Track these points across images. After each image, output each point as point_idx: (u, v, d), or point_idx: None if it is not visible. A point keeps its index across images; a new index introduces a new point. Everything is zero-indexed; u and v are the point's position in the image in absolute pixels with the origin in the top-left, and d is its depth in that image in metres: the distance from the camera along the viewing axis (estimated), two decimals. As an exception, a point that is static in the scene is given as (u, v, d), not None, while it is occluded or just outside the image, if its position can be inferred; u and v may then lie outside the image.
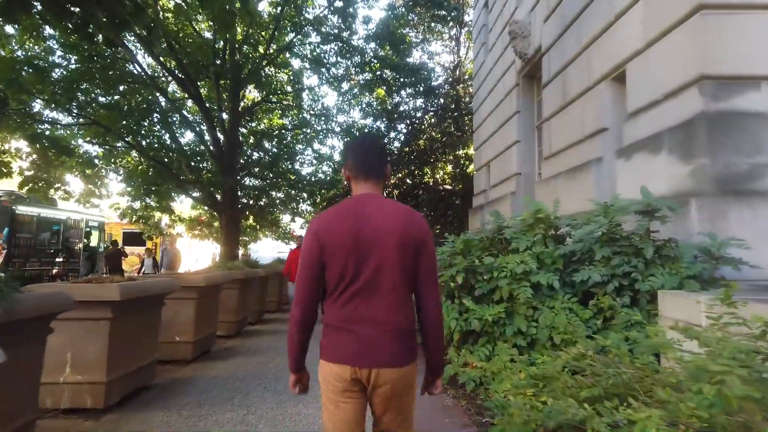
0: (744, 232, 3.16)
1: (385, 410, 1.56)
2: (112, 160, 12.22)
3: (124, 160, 12.48)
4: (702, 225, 3.32)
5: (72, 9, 4.52)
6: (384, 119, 15.70)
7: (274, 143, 14.45)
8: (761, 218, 3.33)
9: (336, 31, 12.46)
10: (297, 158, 14.90)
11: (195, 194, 12.21)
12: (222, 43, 11.20)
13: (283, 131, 14.75)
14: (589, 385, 1.98)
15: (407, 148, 15.99)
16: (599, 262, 3.32)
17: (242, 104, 12.83)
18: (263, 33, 12.24)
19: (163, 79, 12.29)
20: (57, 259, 13.87)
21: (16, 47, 9.74)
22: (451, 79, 17.05)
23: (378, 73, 13.34)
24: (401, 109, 16.25)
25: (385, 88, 14.16)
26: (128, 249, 17.00)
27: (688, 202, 3.42)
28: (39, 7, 4.80)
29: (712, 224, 3.31)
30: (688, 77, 3.69)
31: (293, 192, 14.75)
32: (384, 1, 21.39)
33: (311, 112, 14.83)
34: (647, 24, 4.25)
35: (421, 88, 14.53)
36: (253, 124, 14.70)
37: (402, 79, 13.53)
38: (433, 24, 17.02)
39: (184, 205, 16.85)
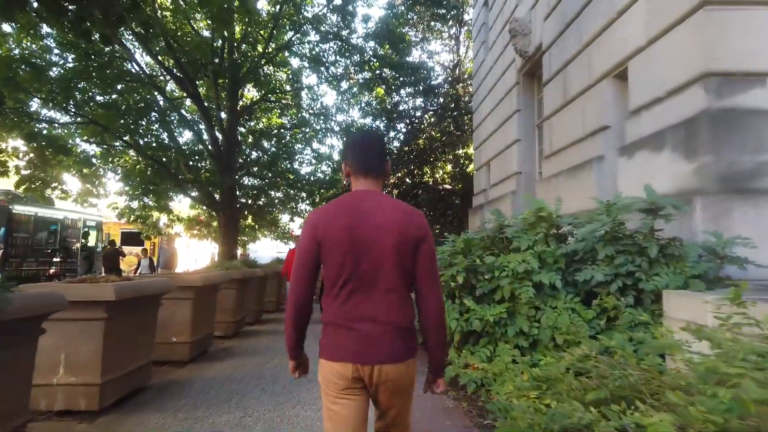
0: (748, 231, 3.11)
1: (389, 405, 1.57)
2: (110, 159, 12.16)
3: (122, 160, 12.42)
4: (706, 224, 3.27)
5: (67, 6, 4.47)
6: (383, 118, 15.64)
7: (272, 142, 14.38)
8: (765, 217, 3.28)
9: (335, 29, 12.41)
10: (296, 157, 14.84)
11: (193, 194, 12.16)
12: (220, 41, 11.14)
13: (282, 130, 14.68)
14: (594, 388, 1.92)
15: (407, 148, 15.94)
16: (602, 261, 3.27)
17: (241, 103, 12.77)
18: (262, 31, 12.18)
19: (161, 77, 12.23)
20: (54, 259, 13.77)
21: (13, 45, 9.67)
22: (450, 78, 17.00)
23: (377, 72, 13.29)
24: (401, 108, 16.20)
25: (384, 87, 14.11)
26: (126, 249, 16.90)
27: (692, 200, 3.37)
28: (35, 5, 4.75)
29: (716, 223, 3.26)
30: (692, 74, 3.64)
31: (292, 191, 14.69)
32: (383, 0, 21.34)
33: (310, 111, 14.77)
34: (649, 20, 4.19)
35: (421, 87, 14.48)
36: (252, 123, 14.64)
37: (401, 78, 13.48)
38: (432, 23, 16.97)
39: (182, 204, 16.81)
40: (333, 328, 1.53)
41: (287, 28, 12.44)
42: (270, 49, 12.13)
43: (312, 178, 14.56)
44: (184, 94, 11.72)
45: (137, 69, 10.90)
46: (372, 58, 12.87)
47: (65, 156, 10.05)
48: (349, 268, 1.48)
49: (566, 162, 5.74)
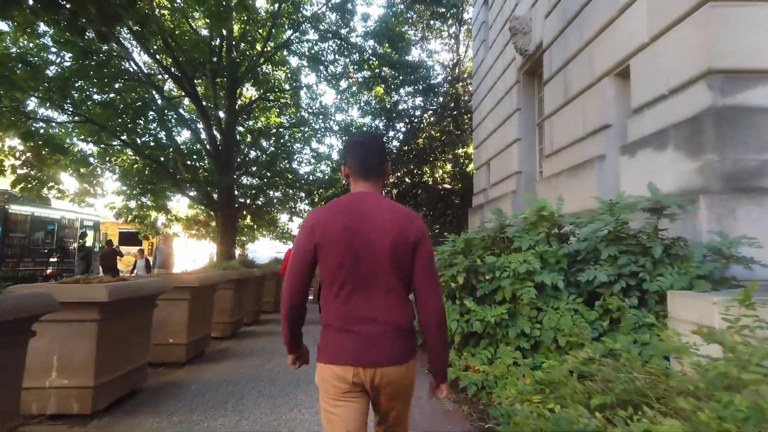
0: (753, 230, 3.06)
1: (390, 408, 1.57)
2: (107, 158, 12.08)
3: (120, 159, 12.34)
4: (710, 223, 3.22)
5: (63, 2, 4.41)
6: (383, 118, 15.59)
7: (271, 142, 14.31)
8: (770, 216, 3.23)
9: (334, 28, 12.36)
10: (295, 157, 14.79)
11: (191, 193, 12.09)
12: (219, 40, 11.08)
13: (281, 130, 14.61)
14: (599, 392, 1.87)
15: (406, 147, 15.88)
16: (605, 261, 3.21)
17: (239, 102, 12.70)
18: (260, 30, 12.11)
19: (159, 76, 12.16)
20: (51, 259, 13.70)
21: (10, 44, 9.59)
22: (450, 78, 16.95)
23: (376, 71, 13.24)
24: (400, 107, 16.15)
25: (383, 86, 14.07)
26: (124, 249, 16.83)
27: (697, 199, 3.32)
28: (30, 2, 4.69)
29: (720, 222, 3.21)
30: (695, 71, 3.58)
31: (291, 191, 14.64)
32: None
33: (309, 110, 14.71)
34: (652, 17, 4.14)
35: (420, 87, 14.45)
36: (251, 123, 14.57)
37: (401, 77, 13.45)
38: (432, 21, 16.91)
39: (180, 204, 16.73)
40: (332, 332, 1.52)
41: (286, 26, 12.38)
42: (269, 48, 12.07)
43: (311, 178, 14.50)
44: (182, 93, 11.65)
45: (135, 68, 10.82)
46: (371, 57, 12.82)
47: (62, 155, 9.98)
48: (348, 268, 1.48)
49: (567, 161, 5.69)
